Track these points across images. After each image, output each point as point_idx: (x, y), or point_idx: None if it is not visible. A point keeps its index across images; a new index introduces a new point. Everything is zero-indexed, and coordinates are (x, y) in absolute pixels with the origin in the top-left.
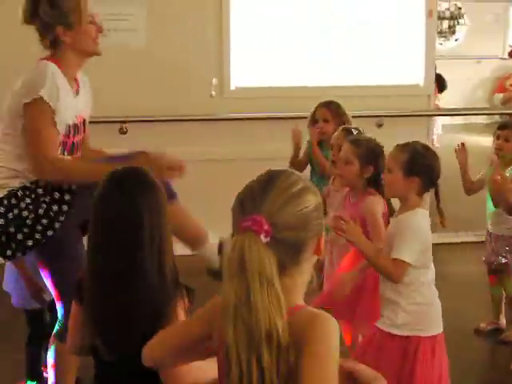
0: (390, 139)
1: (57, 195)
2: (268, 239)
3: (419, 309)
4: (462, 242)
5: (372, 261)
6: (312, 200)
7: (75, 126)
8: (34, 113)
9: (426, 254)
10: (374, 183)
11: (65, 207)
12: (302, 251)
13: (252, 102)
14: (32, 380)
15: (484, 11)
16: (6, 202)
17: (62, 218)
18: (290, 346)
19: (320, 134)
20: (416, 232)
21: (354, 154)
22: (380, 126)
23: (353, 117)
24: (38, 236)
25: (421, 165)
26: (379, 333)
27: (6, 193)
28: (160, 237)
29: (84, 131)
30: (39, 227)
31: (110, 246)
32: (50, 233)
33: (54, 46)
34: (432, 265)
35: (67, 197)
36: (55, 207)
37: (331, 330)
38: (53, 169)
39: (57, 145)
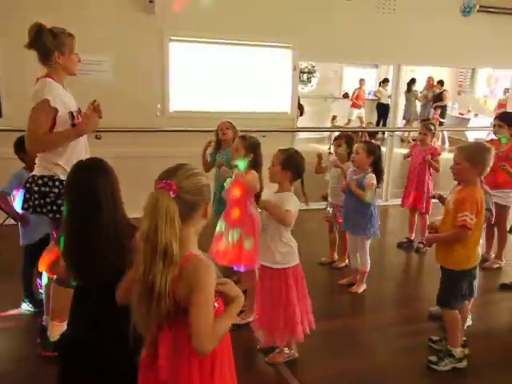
0: (271, 146)
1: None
2: (174, 195)
3: (290, 249)
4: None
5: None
6: (204, 179)
7: (77, 112)
8: (35, 111)
9: (295, 216)
10: (254, 165)
11: None
12: (195, 210)
13: (183, 120)
14: (27, 298)
15: (328, 68)
16: (49, 181)
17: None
18: (184, 284)
19: (224, 136)
20: (292, 200)
21: (241, 145)
22: (264, 136)
23: (248, 131)
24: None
25: (292, 162)
26: (263, 268)
27: (50, 174)
28: (113, 200)
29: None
30: (54, 208)
31: (79, 208)
32: (57, 215)
33: (50, 65)
34: None
35: None
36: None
37: (210, 279)
38: (40, 141)
39: (44, 129)
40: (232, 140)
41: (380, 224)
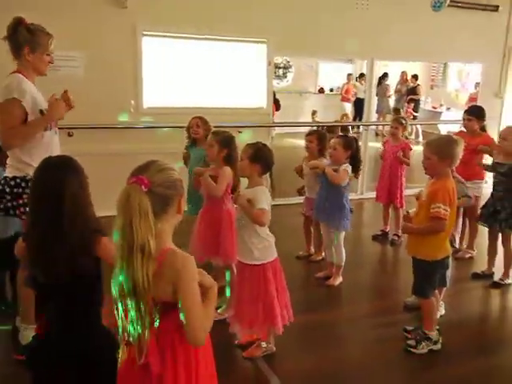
0: (247, 139)
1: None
2: (146, 190)
3: (267, 244)
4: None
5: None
6: (176, 174)
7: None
8: (4, 106)
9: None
10: (229, 160)
11: None
12: (169, 204)
13: (156, 116)
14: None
15: (303, 64)
16: (22, 182)
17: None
18: (168, 276)
19: (195, 135)
20: (265, 197)
21: (214, 141)
22: (240, 132)
23: (223, 127)
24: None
25: (260, 156)
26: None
27: (23, 175)
28: (79, 200)
29: None
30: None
31: (43, 206)
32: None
33: (20, 61)
34: None
35: None
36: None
37: (192, 270)
38: (13, 135)
39: (15, 124)
40: (205, 137)
41: (355, 217)
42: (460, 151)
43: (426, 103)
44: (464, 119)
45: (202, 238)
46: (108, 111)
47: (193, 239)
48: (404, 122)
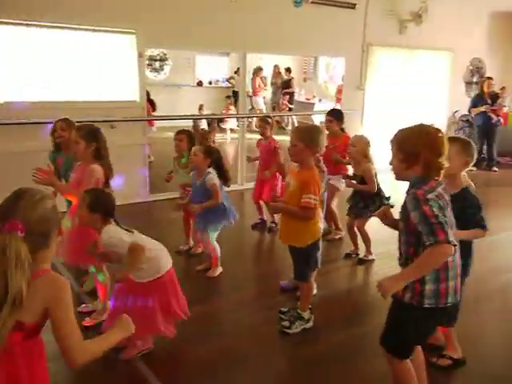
0: (123, 137)
1: None
2: (23, 234)
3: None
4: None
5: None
6: (49, 203)
7: None
8: None
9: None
10: (98, 155)
11: None
12: (50, 237)
13: (17, 112)
14: None
15: (180, 56)
16: None
17: None
18: (40, 299)
19: (60, 139)
20: (116, 239)
21: (79, 137)
22: (113, 127)
23: (95, 121)
24: None
25: (99, 203)
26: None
27: None
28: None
29: None
30: None
31: None
32: None
33: None
34: None
35: None
36: None
37: (67, 293)
38: None
39: None
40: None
41: (235, 207)
42: (324, 141)
43: (299, 95)
44: (326, 120)
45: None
46: None
47: (63, 240)
48: (270, 120)
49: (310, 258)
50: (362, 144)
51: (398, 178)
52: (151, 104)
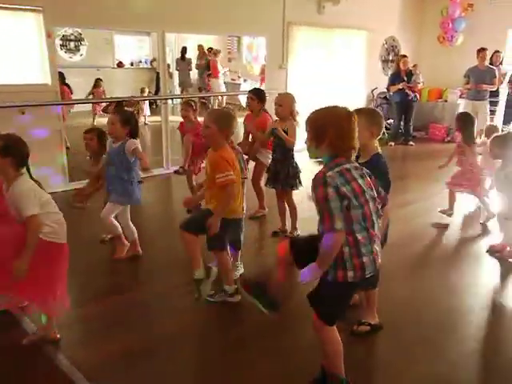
0: (32, 122)
1: None
2: None
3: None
4: None
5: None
6: None
7: None
8: None
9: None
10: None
11: None
12: None
13: None
14: None
15: (98, 36)
16: None
17: None
18: None
19: None
20: (30, 198)
21: None
22: (23, 113)
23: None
24: None
25: (11, 147)
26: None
27: None
28: None
29: None
30: None
31: None
32: None
33: None
34: None
35: None
36: None
37: None
38: None
39: None
40: None
41: (164, 192)
42: (236, 125)
43: (225, 76)
44: (247, 98)
45: None
46: None
47: None
48: (193, 104)
49: (226, 230)
50: (289, 101)
51: (311, 156)
52: (67, 86)
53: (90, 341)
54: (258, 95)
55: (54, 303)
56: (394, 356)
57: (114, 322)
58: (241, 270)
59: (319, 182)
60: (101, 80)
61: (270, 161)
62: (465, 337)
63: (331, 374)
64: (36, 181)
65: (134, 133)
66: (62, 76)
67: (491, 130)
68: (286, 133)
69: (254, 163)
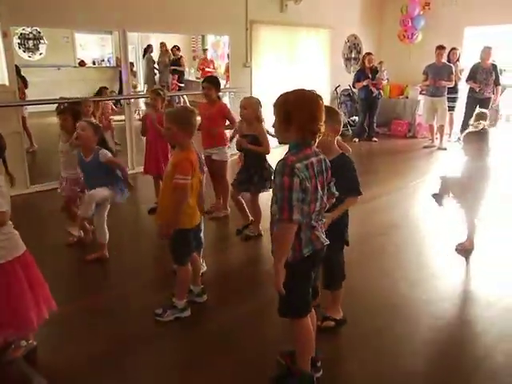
0: None
1: None
2: None
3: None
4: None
5: None
6: None
7: None
8: None
9: None
10: None
11: None
12: None
13: None
14: None
15: (57, 34)
16: None
17: None
18: None
19: None
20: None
21: None
22: None
23: None
24: None
25: None
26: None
27: None
28: None
29: None
30: None
31: None
32: None
33: None
34: None
35: None
36: None
37: None
38: None
39: None
40: None
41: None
42: (196, 121)
43: (190, 74)
44: (203, 88)
45: None
46: None
47: None
48: (162, 93)
49: (190, 241)
50: (253, 105)
51: (280, 140)
52: (23, 81)
53: (56, 345)
54: (214, 83)
55: (31, 322)
56: (356, 348)
57: (81, 325)
58: (204, 269)
59: (287, 170)
60: (106, 88)
61: (229, 154)
62: (425, 326)
63: (300, 370)
64: (11, 175)
65: (104, 143)
66: (17, 68)
67: (481, 116)
68: (256, 138)
69: (212, 162)
